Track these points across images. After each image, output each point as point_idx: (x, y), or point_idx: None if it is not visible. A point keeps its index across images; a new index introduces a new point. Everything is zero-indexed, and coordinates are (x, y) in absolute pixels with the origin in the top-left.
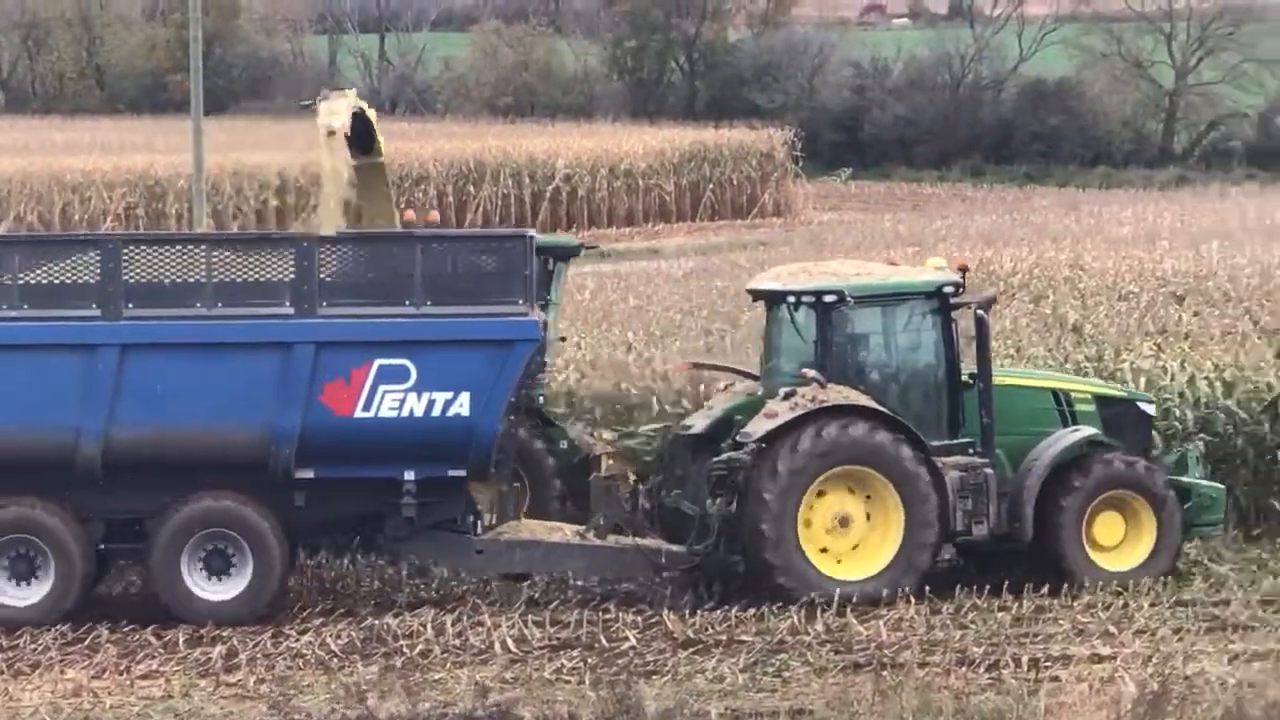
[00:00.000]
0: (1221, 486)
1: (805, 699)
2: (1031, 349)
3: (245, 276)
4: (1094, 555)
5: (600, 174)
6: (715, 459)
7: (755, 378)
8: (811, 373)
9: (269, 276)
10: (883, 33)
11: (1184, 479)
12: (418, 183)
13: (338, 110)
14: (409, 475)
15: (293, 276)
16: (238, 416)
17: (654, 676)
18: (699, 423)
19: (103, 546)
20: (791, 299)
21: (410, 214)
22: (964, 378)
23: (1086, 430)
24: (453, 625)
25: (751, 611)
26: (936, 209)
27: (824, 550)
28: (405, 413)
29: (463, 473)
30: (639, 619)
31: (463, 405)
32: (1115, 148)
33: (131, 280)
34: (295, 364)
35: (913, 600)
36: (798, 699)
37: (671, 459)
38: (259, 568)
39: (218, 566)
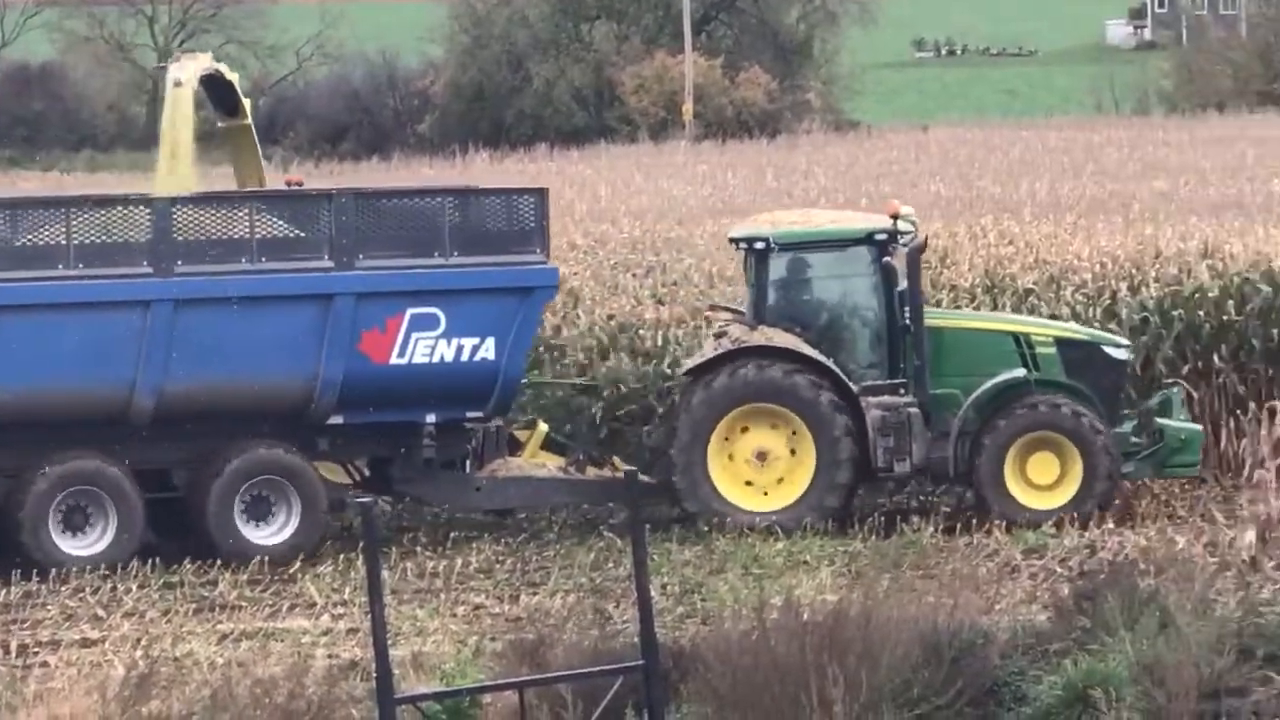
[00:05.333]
0: (1198, 428)
1: None
2: None
3: (285, 233)
4: (1020, 494)
5: None
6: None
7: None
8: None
9: (308, 232)
10: None
11: (1160, 421)
12: None
13: (187, 68)
14: (430, 419)
15: (332, 231)
16: (285, 367)
17: None
18: (688, 362)
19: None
20: (733, 245)
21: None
22: (904, 322)
23: (1016, 372)
24: None
25: None
26: None
27: (748, 483)
28: (436, 359)
29: (480, 414)
30: None
31: (488, 350)
32: (100, 130)
33: (181, 238)
34: (337, 315)
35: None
36: None
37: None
38: (306, 511)
39: (260, 512)
